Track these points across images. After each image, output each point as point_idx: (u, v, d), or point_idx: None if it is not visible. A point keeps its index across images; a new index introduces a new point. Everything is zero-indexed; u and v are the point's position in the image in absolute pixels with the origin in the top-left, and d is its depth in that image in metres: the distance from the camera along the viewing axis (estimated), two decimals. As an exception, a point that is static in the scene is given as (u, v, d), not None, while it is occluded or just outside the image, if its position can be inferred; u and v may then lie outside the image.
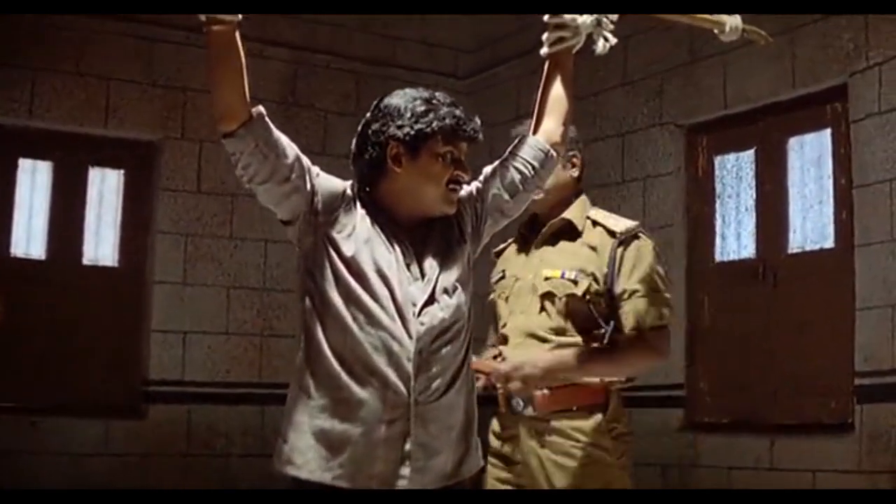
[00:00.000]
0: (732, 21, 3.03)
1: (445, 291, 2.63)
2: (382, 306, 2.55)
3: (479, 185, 2.82)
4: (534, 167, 2.81)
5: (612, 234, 3.21)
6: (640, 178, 6.62)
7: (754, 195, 6.10)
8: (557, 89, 2.88)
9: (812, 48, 5.64)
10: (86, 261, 7.02)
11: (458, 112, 2.64)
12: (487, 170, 2.84)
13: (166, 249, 7.03)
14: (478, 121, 2.69)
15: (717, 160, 6.32)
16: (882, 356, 5.13)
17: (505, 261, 3.49)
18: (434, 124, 2.60)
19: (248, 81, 2.46)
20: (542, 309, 3.21)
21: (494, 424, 3.31)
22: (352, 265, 2.56)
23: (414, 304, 2.58)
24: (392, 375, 2.54)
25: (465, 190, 2.76)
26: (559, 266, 3.22)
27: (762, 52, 5.66)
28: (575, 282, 3.17)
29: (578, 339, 3.18)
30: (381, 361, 2.53)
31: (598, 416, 3.15)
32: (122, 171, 7.13)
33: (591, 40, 2.90)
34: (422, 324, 2.58)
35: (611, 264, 3.16)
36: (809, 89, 5.72)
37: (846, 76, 5.47)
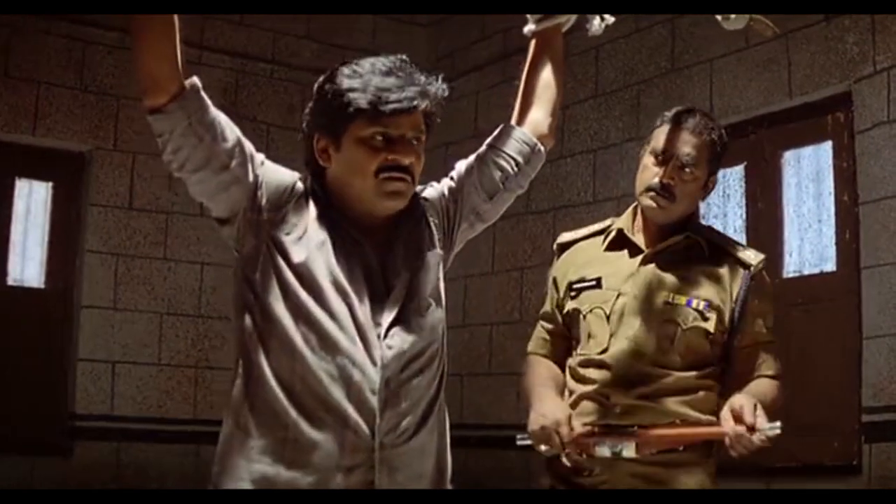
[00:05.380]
0: None
1: (417, 309, 2.26)
2: (340, 326, 2.16)
3: (452, 183, 2.45)
4: (518, 163, 2.46)
5: (744, 265, 2.87)
6: (614, 198, 6.29)
7: (744, 215, 5.85)
8: (546, 73, 2.56)
9: (811, 53, 5.40)
10: (11, 281, 6.67)
11: (386, 81, 2.18)
12: (461, 165, 2.47)
13: (95, 270, 6.72)
14: (421, 86, 2.20)
15: (701, 178, 6.00)
16: (893, 389, 4.83)
17: (587, 261, 2.98)
18: (352, 105, 2.17)
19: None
20: (658, 340, 2.80)
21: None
22: (303, 275, 2.17)
23: (378, 324, 2.20)
24: (352, 412, 2.14)
25: (435, 189, 2.43)
26: (682, 291, 2.83)
27: (753, 59, 5.54)
28: (704, 316, 2.80)
29: (688, 375, 2.80)
30: (338, 394, 2.14)
31: (710, 461, 2.82)
32: (50, 184, 6.83)
33: (584, 18, 2.65)
34: (389, 348, 2.19)
35: (740, 301, 2.82)
36: (808, 98, 5.44)
37: (850, 83, 5.19)
